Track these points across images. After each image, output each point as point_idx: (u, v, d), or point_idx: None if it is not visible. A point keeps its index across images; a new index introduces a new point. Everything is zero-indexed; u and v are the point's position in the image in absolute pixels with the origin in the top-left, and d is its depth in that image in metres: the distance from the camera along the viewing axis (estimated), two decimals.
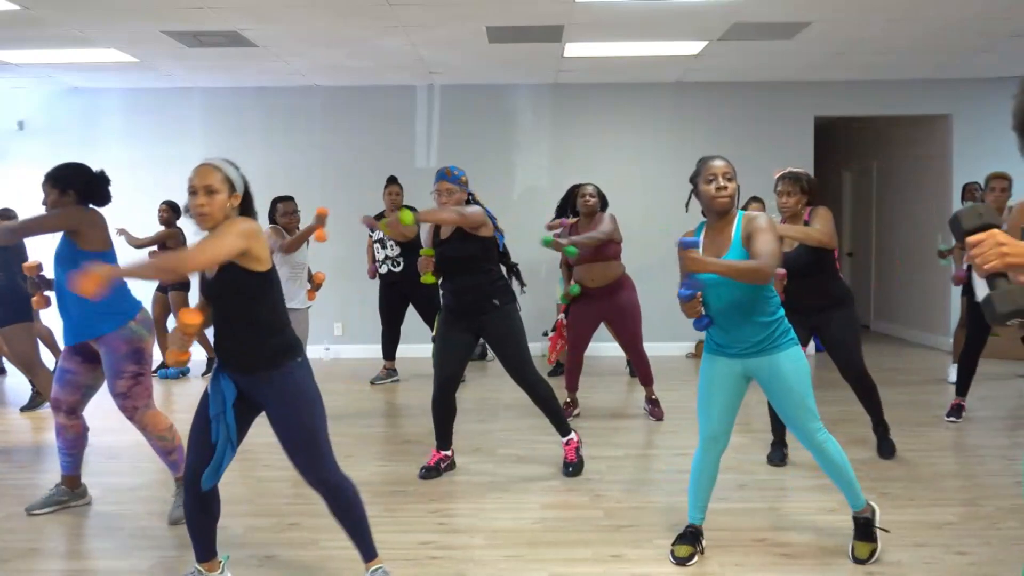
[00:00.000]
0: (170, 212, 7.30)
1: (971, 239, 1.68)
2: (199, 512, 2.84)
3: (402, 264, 6.64)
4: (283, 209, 5.78)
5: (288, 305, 5.63)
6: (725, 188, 3.02)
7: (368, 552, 2.90)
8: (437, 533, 3.57)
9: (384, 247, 6.74)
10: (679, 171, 8.26)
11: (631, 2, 5.47)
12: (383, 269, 6.79)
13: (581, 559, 3.29)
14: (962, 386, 5.50)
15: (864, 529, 3.24)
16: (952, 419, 5.44)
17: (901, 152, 9.40)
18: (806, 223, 4.23)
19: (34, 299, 3.76)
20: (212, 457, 2.74)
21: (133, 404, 3.64)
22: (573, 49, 6.79)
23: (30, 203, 7.44)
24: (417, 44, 6.59)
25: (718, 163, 3.07)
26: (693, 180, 3.13)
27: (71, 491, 3.88)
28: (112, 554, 3.39)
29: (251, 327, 2.72)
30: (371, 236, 6.87)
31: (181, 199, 8.18)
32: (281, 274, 5.43)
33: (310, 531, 3.58)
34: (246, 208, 2.82)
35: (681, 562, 3.18)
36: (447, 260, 4.21)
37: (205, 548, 2.91)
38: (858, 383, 4.45)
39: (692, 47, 6.80)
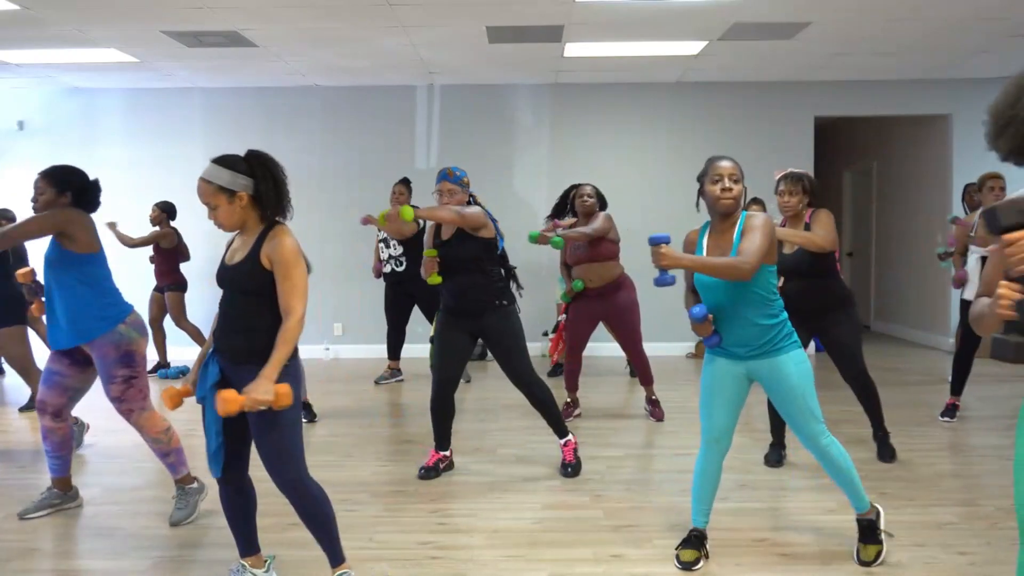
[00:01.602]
0: (162, 213, 7.27)
1: (1008, 236, 1.61)
2: (234, 505, 2.89)
3: (405, 263, 6.63)
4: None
5: None
6: (730, 189, 3.00)
7: (335, 556, 2.88)
8: (437, 533, 3.57)
9: (388, 246, 6.71)
10: (679, 171, 8.37)
11: (631, 2, 5.47)
12: (387, 269, 6.76)
13: (581, 559, 3.29)
14: (957, 385, 5.52)
15: (868, 531, 3.22)
16: (946, 419, 5.44)
17: (901, 152, 9.40)
18: (807, 225, 4.22)
19: (33, 306, 3.75)
20: (234, 447, 2.76)
21: (128, 408, 3.65)
22: (573, 49, 6.79)
23: (29, 203, 7.47)
24: (417, 44, 6.59)
25: (725, 164, 3.05)
26: (700, 179, 3.12)
27: (63, 494, 3.84)
28: (112, 554, 3.38)
29: (255, 320, 2.70)
30: (377, 236, 6.88)
31: (181, 199, 8.19)
32: None
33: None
34: (267, 198, 2.70)
35: (687, 567, 3.16)
36: (449, 260, 4.21)
37: (245, 542, 2.95)
38: (859, 386, 4.43)
39: (692, 47, 6.80)
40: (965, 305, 5.51)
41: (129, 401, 3.64)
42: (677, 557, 3.20)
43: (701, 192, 3.12)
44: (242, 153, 2.77)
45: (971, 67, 7.63)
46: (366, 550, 3.33)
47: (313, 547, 3.40)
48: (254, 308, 2.71)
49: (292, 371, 2.72)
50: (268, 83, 8.12)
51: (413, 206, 4.30)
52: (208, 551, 3.41)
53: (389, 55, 6.93)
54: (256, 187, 2.71)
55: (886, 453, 4.49)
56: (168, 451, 3.75)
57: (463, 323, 4.30)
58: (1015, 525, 3.57)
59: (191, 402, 2.91)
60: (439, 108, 8.38)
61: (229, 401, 2.53)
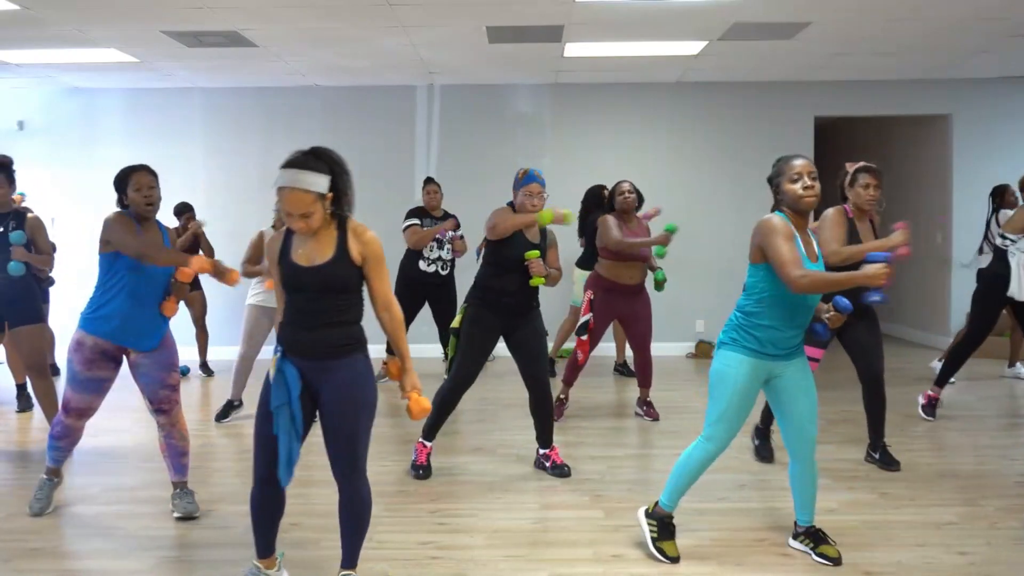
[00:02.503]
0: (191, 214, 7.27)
1: None
2: (267, 509, 2.86)
3: (448, 270, 6.60)
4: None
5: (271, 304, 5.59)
6: (812, 187, 3.00)
7: (351, 560, 2.88)
8: (437, 533, 3.57)
9: (440, 247, 6.57)
10: (679, 171, 8.39)
11: (631, 2, 5.48)
12: (430, 268, 6.58)
13: (581, 559, 3.29)
14: (944, 378, 5.55)
15: (819, 535, 3.30)
16: (929, 417, 5.45)
17: (901, 152, 9.40)
18: (872, 223, 4.23)
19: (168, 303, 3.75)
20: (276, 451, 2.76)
21: (176, 398, 3.78)
22: (573, 49, 6.79)
23: (30, 203, 7.46)
24: (417, 44, 6.59)
25: (802, 162, 3.03)
26: (774, 180, 3.10)
27: (59, 481, 3.95)
28: (113, 554, 3.39)
29: (347, 314, 2.74)
30: (447, 236, 6.58)
31: (181, 199, 8.14)
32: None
33: (310, 531, 3.58)
34: (348, 193, 2.74)
35: (676, 560, 3.20)
36: (518, 259, 4.25)
37: (264, 545, 2.93)
38: (871, 390, 4.36)
39: (692, 47, 6.80)
40: (1017, 306, 5.50)
41: (179, 392, 3.82)
42: (663, 552, 3.23)
43: (777, 192, 3.09)
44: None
45: (971, 67, 7.63)
46: (366, 550, 3.31)
47: (313, 547, 3.41)
48: (344, 303, 2.73)
49: (371, 368, 2.83)
50: (268, 83, 8.12)
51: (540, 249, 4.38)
52: (210, 551, 3.41)
53: (389, 55, 6.93)
54: (335, 184, 2.69)
55: (889, 461, 4.41)
56: (187, 451, 3.85)
57: (502, 321, 4.32)
58: (1015, 525, 3.58)
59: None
60: (439, 108, 8.38)
61: (424, 403, 2.83)
